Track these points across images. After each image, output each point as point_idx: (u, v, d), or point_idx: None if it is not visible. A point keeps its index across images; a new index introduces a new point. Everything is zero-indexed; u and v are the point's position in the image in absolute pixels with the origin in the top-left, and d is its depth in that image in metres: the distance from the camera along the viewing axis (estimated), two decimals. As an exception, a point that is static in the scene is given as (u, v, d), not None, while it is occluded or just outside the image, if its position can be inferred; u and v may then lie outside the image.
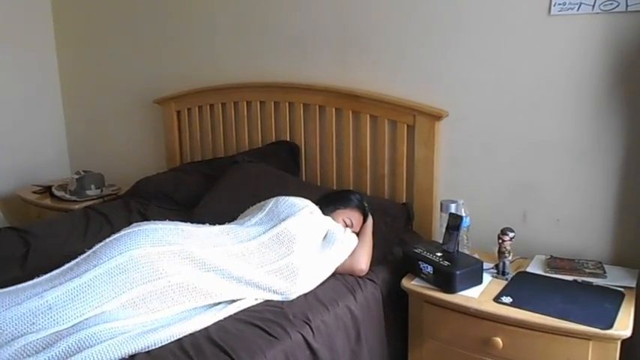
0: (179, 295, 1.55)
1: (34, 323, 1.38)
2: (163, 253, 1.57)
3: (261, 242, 1.75)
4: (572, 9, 1.94)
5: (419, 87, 2.29)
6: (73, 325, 1.41)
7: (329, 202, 2.02)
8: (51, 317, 1.40)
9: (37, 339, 1.35)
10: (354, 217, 2.01)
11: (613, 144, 1.97)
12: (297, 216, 1.83)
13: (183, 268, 1.58)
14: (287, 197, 1.92)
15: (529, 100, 2.09)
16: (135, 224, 1.71)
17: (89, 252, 1.60)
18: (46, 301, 1.42)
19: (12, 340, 1.34)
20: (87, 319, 1.43)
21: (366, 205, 2.07)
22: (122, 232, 1.64)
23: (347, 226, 1.98)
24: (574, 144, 2.03)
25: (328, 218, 1.93)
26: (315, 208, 1.92)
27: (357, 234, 1.98)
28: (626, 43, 1.89)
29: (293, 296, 1.69)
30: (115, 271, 1.51)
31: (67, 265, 1.57)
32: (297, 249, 1.74)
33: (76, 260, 1.58)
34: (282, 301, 1.68)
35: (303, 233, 1.79)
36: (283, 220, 1.81)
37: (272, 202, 1.91)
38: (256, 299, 1.66)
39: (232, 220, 1.99)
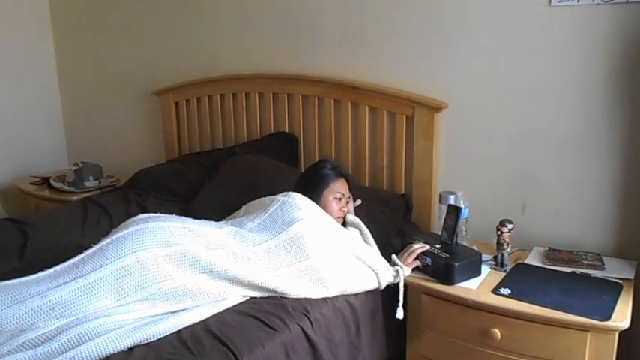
0: (182, 296, 1.54)
1: (34, 323, 1.37)
2: (169, 255, 1.55)
3: (267, 248, 1.70)
4: (573, -1, 1.93)
5: (418, 78, 2.28)
6: (72, 320, 1.40)
7: (308, 188, 1.94)
8: (53, 316, 1.39)
9: (37, 335, 1.34)
10: (340, 187, 1.98)
11: (612, 136, 1.96)
12: (304, 221, 1.77)
13: (189, 270, 1.56)
14: (291, 200, 1.83)
15: (529, 91, 2.08)
16: (142, 218, 1.67)
17: (95, 248, 1.56)
18: (49, 301, 1.40)
19: (11, 338, 1.33)
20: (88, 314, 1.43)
21: (337, 165, 2.08)
22: (130, 229, 1.59)
23: (340, 199, 1.95)
24: (573, 135, 2.03)
25: (346, 230, 1.89)
26: (320, 210, 1.87)
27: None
28: (628, 34, 1.88)
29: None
30: (121, 273, 1.49)
31: (72, 261, 1.53)
32: (313, 253, 1.72)
33: (82, 256, 1.54)
34: (282, 294, 1.67)
35: (314, 237, 1.75)
36: (290, 225, 1.75)
37: (276, 205, 1.83)
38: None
39: (231, 213, 1.99)
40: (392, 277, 1.82)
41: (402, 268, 1.84)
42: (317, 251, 1.73)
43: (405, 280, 1.85)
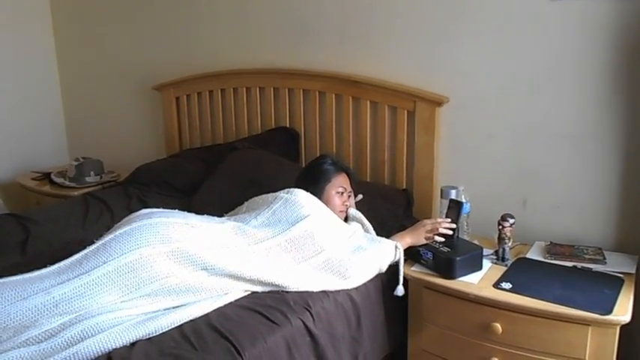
0: (185, 292, 1.54)
1: (37, 320, 1.36)
2: (172, 252, 1.55)
3: (270, 245, 1.70)
4: (575, -7, 1.93)
5: (419, 73, 2.27)
6: (75, 316, 1.40)
7: (310, 183, 1.94)
8: (56, 313, 1.39)
9: (41, 332, 1.35)
10: (342, 182, 1.98)
11: (614, 130, 1.96)
12: (312, 217, 1.77)
13: (191, 267, 1.56)
14: (294, 197, 1.82)
15: (530, 85, 2.07)
16: (145, 213, 1.67)
17: (98, 243, 1.56)
18: (53, 298, 1.40)
19: (14, 335, 1.33)
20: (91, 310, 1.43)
21: (338, 160, 2.07)
22: (133, 224, 1.59)
23: (342, 194, 1.96)
24: (575, 130, 2.02)
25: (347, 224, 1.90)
26: (323, 206, 1.87)
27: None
28: (629, 27, 1.87)
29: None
30: (124, 270, 1.49)
31: (75, 257, 1.53)
32: (328, 245, 1.73)
33: (85, 252, 1.54)
34: (283, 288, 1.67)
35: (324, 230, 1.76)
36: (295, 223, 1.75)
37: (280, 202, 1.82)
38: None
39: (232, 208, 1.99)
40: (392, 256, 1.82)
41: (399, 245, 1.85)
42: (331, 243, 1.74)
43: (405, 274, 1.84)
